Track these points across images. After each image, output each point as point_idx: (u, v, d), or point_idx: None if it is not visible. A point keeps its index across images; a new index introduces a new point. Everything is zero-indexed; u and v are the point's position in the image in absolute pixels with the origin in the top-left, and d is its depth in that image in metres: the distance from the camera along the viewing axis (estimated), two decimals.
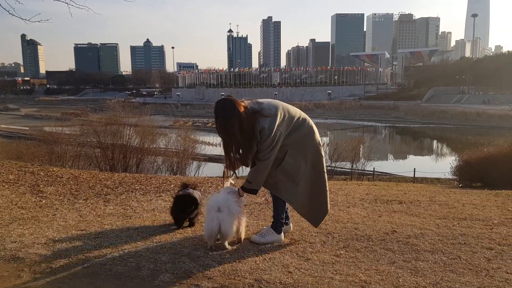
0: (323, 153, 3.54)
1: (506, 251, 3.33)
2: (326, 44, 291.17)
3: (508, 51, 75.72)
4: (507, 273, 2.90)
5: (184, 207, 3.85)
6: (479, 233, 3.81)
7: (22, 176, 6.39)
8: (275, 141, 3.22)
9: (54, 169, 7.51)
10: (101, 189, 5.79)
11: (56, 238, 3.54)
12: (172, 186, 6.27)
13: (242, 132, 3.14)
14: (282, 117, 3.28)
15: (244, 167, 3.52)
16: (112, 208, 4.75)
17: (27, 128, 41.45)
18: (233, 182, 3.69)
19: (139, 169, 16.61)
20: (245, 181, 3.35)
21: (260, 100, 3.38)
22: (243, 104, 3.21)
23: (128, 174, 7.96)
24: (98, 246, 3.33)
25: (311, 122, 3.53)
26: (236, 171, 3.54)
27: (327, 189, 3.55)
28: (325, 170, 3.56)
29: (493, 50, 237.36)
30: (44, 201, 5.04)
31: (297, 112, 3.47)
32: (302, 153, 3.41)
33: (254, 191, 3.38)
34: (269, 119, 3.21)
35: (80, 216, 4.36)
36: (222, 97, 3.32)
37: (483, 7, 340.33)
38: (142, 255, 3.13)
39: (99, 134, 18.08)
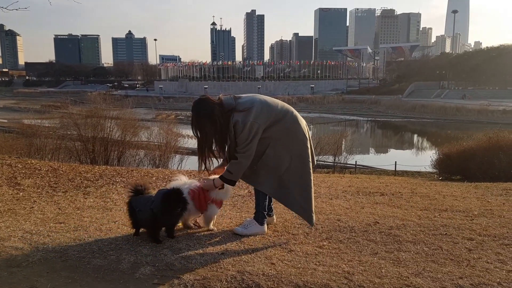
0: (309, 145, 3.49)
1: (486, 242, 3.38)
2: (309, 38, 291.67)
3: (487, 47, 77.01)
4: (488, 263, 2.93)
5: (173, 209, 3.18)
6: (460, 224, 3.86)
7: None
8: (252, 134, 3.21)
9: (33, 161, 7.33)
10: (81, 182, 5.68)
11: (34, 231, 3.44)
12: (154, 179, 6.19)
13: (216, 129, 3.23)
14: (259, 110, 3.26)
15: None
16: (92, 200, 4.65)
17: (5, 121, 40.47)
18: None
19: (121, 162, 16.38)
20: (225, 171, 3.35)
21: (239, 95, 3.40)
22: (218, 101, 3.27)
23: (109, 167, 7.83)
24: (76, 239, 3.25)
25: (295, 113, 3.49)
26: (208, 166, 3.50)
27: (312, 184, 3.48)
28: (311, 165, 3.49)
29: (472, 46, 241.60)
30: (21, 193, 4.91)
31: (279, 104, 3.43)
32: (285, 146, 3.37)
33: (232, 182, 3.38)
34: (243, 113, 3.23)
35: (59, 208, 4.26)
36: (198, 97, 3.39)
37: (463, 4, 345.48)
38: (122, 247, 3.06)
39: (80, 127, 17.75)
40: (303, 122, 3.51)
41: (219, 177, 3.39)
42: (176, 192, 3.17)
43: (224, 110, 3.25)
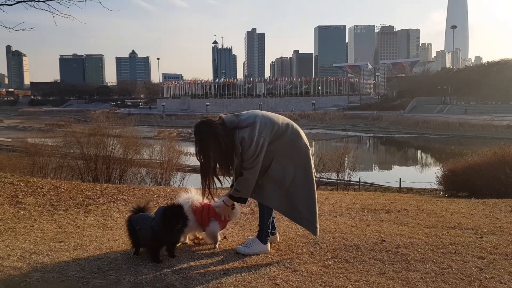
0: (311, 156, 3.47)
1: (497, 260, 3.27)
2: (309, 55, 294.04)
3: (487, 61, 77.46)
4: (501, 283, 2.83)
5: (173, 225, 3.09)
6: (469, 242, 3.76)
7: (1, 187, 6.15)
8: (259, 148, 3.18)
9: (35, 179, 7.28)
10: (82, 200, 5.61)
11: (33, 250, 3.37)
12: (155, 196, 6.12)
13: (221, 150, 3.17)
14: (263, 124, 3.23)
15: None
16: (92, 219, 4.58)
17: (9, 140, 40.58)
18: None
19: (123, 180, 16.32)
20: (233, 189, 3.31)
21: (239, 113, 3.38)
22: (219, 121, 3.23)
23: (110, 185, 7.77)
24: (76, 258, 3.17)
25: (296, 126, 3.46)
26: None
27: (316, 195, 3.44)
28: (314, 175, 3.44)
29: (473, 61, 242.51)
30: (22, 212, 4.85)
31: (279, 118, 3.41)
32: (289, 159, 3.34)
33: (243, 200, 3.34)
34: (248, 128, 3.19)
35: (59, 227, 4.18)
36: (199, 120, 3.34)
37: (462, 19, 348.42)
38: (122, 267, 2.98)
39: (82, 145, 17.77)
40: (303, 134, 3.49)
41: (228, 196, 3.36)
42: (177, 208, 3.11)
43: (227, 129, 3.21)
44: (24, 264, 3.04)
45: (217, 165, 3.29)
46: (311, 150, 3.59)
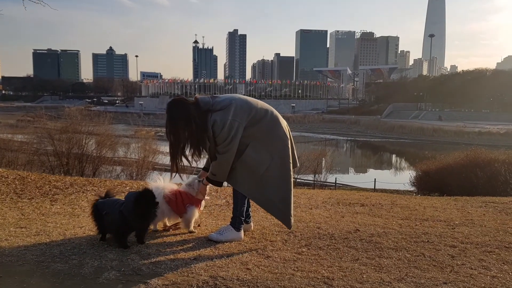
0: (290, 146, 3.36)
1: (469, 249, 3.28)
2: (290, 58, 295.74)
3: (462, 70, 79.39)
4: (471, 269, 2.83)
5: (146, 211, 3.00)
6: (441, 232, 3.76)
7: None
8: (232, 132, 3.09)
9: (0, 170, 6.99)
10: (49, 190, 5.39)
11: None
12: (127, 188, 5.94)
13: (191, 131, 3.10)
14: (238, 108, 3.14)
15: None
16: (59, 207, 4.40)
17: None
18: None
19: (96, 176, 15.97)
20: (210, 172, 3.27)
21: (217, 95, 3.30)
22: (193, 101, 3.14)
23: (81, 177, 7.54)
24: (37, 243, 3.02)
25: (275, 113, 3.37)
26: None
27: (291, 187, 3.36)
28: (291, 167, 3.35)
29: (448, 70, 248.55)
30: None
31: (258, 103, 3.31)
32: (265, 146, 3.24)
33: (219, 183, 3.30)
34: (221, 112, 3.11)
35: (22, 214, 3.99)
36: (172, 98, 3.29)
37: (440, 29, 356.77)
38: (86, 252, 2.85)
39: (54, 141, 17.32)
40: (284, 122, 3.39)
41: (205, 178, 3.33)
42: (149, 193, 2.99)
43: (200, 110, 3.12)
44: None
45: (188, 145, 3.19)
46: (291, 134, 3.50)
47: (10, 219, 3.75)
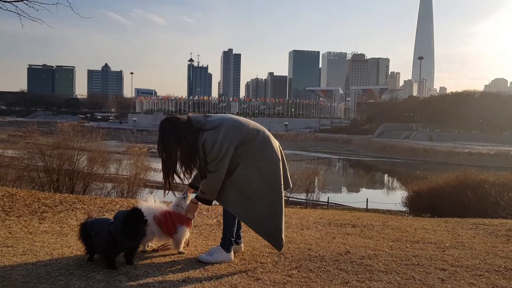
0: (281, 167, 3.35)
1: (459, 272, 3.28)
2: (283, 78, 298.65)
3: (451, 92, 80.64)
4: None
5: (135, 230, 2.96)
6: (431, 255, 3.76)
7: None
8: (222, 152, 3.10)
9: None
10: (38, 207, 5.32)
11: None
12: (117, 207, 5.89)
13: (182, 150, 3.15)
14: (229, 128, 3.17)
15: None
16: (47, 225, 4.34)
17: None
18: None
19: (86, 193, 15.80)
20: (199, 191, 3.27)
21: (209, 114, 3.34)
22: (185, 120, 3.18)
23: (71, 195, 7.47)
24: (23, 263, 2.96)
25: (267, 133, 3.39)
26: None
27: (282, 208, 3.34)
28: (282, 188, 3.34)
29: (438, 91, 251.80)
30: None
31: (250, 124, 3.33)
32: (255, 166, 3.23)
33: (208, 202, 3.32)
34: (212, 131, 3.13)
35: (9, 232, 3.93)
36: (164, 116, 3.36)
37: (428, 51, 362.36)
38: (73, 273, 2.80)
39: (45, 156, 17.17)
40: (276, 143, 3.41)
41: (195, 197, 3.33)
42: (138, 213, 2.96)
43: (192, 129, 3.15)
44: None
45: (179, 163, 3.20)
46: (283, 155, 3.50)
47: None
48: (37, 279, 2.67)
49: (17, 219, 4.60)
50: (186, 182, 3.39)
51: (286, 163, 3.50)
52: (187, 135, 3.11)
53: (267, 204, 3.25)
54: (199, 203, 3.37)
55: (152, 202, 3.47)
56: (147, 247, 3.47)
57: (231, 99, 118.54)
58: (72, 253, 3.30)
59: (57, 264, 2.99)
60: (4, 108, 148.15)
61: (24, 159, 19.55)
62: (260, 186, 3.23)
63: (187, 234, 3.44)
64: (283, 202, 3.35)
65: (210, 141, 3.09)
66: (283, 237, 3.33)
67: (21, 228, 4.14)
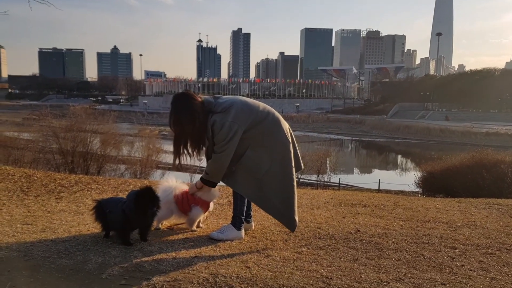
0: (292, 149, 3.37)
1: (469, 251, 3.30)
2: (295, 57, 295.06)
3: (470, 70, 78.81)
4: (471, 270, 2.85)
5: (146, 209, 3.01)
6: (442, 234, 3.78)
7: None
8: (230, 134, 3.11)
9: (7, 167, 7.08)
10: (55, 187, 5.46)
11: None
12: (131, 187, 6.00)
13: (194, 127, 3.13)
14: (239, 110, 3.18)
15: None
16: (64, 205, 4.47)
17: None
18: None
19: (100, 174, 16.09)
20: (204, 172, 3.28)
21: (219, 96, 3.33)
22: (199, 99, 3.18)
23: (85, 176, 7.61)
24: (43, 240, 3.08)
25: (277, 115, 3.40)
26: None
27: (295, 189, 3.36)
28: (293, 170, 3.36)
29: (456, 69, 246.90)
30: None
31: (260, 106, 3.34)
32: (265, 149, 3.26)
33: (212, 184, 3.31)
34: (221, 114, 3.14)
35: (28, 211, 4.07)
36: (180, 91, 3.29)
37: (447, 28, 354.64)
38: (90, 249, 2.91)
39: (59, 139, 17.47)
40: (285, 125, 3.42)
41: (200, 178, 3.35)
42: (149, 191, 3.03)
43: (204, 109, 3.16)
44: None
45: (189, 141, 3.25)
46: (294, 137, 3.52)
47: (17, 216, 3.82)
48: (56, 254, 2.78)
49: (35, 198, 4.73)
50: (196, 163, 3.44)
51: (296, 145, 3.51)
52: (200, 114, 3.12)
53: (278, 186, 3.27)
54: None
55: (173, 181, 3.55)
56: (161, 225, 3.56)
57: (241, 81, 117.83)
58: (89, 230, 3.41)
59: (75, 240, 3.10)
60: (18, 91, 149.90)
61: (39, 141, 19.92)
62: (270, 168, 3.25)
63: (201, 215, 3.50)
64: (295, 183, 3.37)
65: (219, 123, 3.10)
66: (296, 218, 3.36)
67: (39, 207, 4.27)
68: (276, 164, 3.27)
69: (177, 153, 3.25)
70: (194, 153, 3.29)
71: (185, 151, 3.26)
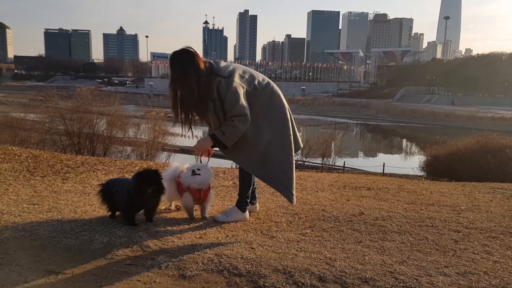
0: (289, 117, 3.30)
1: (473, 234, 3.30)
2: (301, 40, 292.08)
3: (477, 54, 77.78)
4: (474, 253, 2.86)
5: (146, 189, 2.96)
6: (446, 217, 3.79)
7: None
8: (240, 94, 2.97)
9: (13, 148, 7.14)
10: (61, 168, 5.50)
11: (5, 211, 3.30)
12: (137, 168, 6.03)
13: (200, 85, 2.93)
14: (241, 75, 3.10)
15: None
16: (70, 185, 4.50)
17: None
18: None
19: (106, 155, 16.19)
20: (219, 131, 3.04)
21: (220, 61, 3.21)
22: (202, 59, 3.00)
23: (92, 157, 7.66)
24: (49, 219, 3.11)
25: (276, 88, 3.32)
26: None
27: (293, 159, 3.27)
28: (292, 141, 3.26)
29: (463, 53, 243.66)
30: None
31: (260, 76, 3.28)
32: (266, 119, 3.17)
33: (223, 145, 3.07)
34: (225, 78, 3.00)
35: (35, 191, 4.10)
36: (181, 48, 3.01)
37: (455, 11, 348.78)
38: (96, 229, 2.94)
39: (66, 120, 17.55)
40: (282, 96, 3.36)
41: (211, 136, 3.08)
42: (149, 172, 3.02)
43: (207, 70, 2.99)
44: None
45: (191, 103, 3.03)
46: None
47: (23, 196, 3.86)
48: (62, 234, 2.81)
49: (42, 179, 4.77)
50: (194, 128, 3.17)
51: (294, 124, 3.45)
52: (205, 73, 2.96)
53: (278, 156, 3.18)
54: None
55: (183, 163, 3.46)
56: (173, 205, 3.57)
57: (247, 63, 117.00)
58: (94, 211, 3.44)
59: (81, 220, 3.13)
60: (24, 72, 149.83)
61: (46, 122, 20.02)
62: (271, 139, 3.17)
63: (190, 204, 3.29)
64: (293, 153, 3.28)
65: (225, 83, 2.97)
66: (294, 190, 3.25)
67: (46, 188, 4.31)
68: (276, 134, 3.20)
69: (177, 114, 3.04)
70: (196, 116, 3.09)
71: (188, 114, 3.05)
